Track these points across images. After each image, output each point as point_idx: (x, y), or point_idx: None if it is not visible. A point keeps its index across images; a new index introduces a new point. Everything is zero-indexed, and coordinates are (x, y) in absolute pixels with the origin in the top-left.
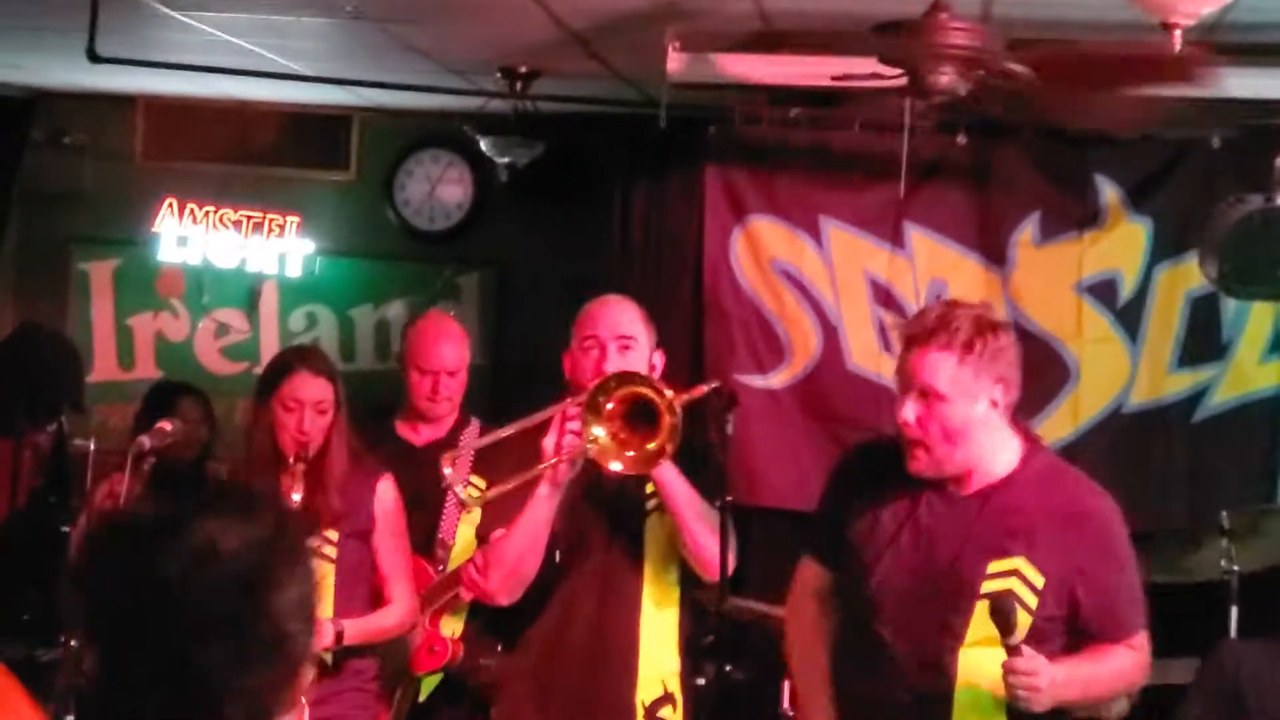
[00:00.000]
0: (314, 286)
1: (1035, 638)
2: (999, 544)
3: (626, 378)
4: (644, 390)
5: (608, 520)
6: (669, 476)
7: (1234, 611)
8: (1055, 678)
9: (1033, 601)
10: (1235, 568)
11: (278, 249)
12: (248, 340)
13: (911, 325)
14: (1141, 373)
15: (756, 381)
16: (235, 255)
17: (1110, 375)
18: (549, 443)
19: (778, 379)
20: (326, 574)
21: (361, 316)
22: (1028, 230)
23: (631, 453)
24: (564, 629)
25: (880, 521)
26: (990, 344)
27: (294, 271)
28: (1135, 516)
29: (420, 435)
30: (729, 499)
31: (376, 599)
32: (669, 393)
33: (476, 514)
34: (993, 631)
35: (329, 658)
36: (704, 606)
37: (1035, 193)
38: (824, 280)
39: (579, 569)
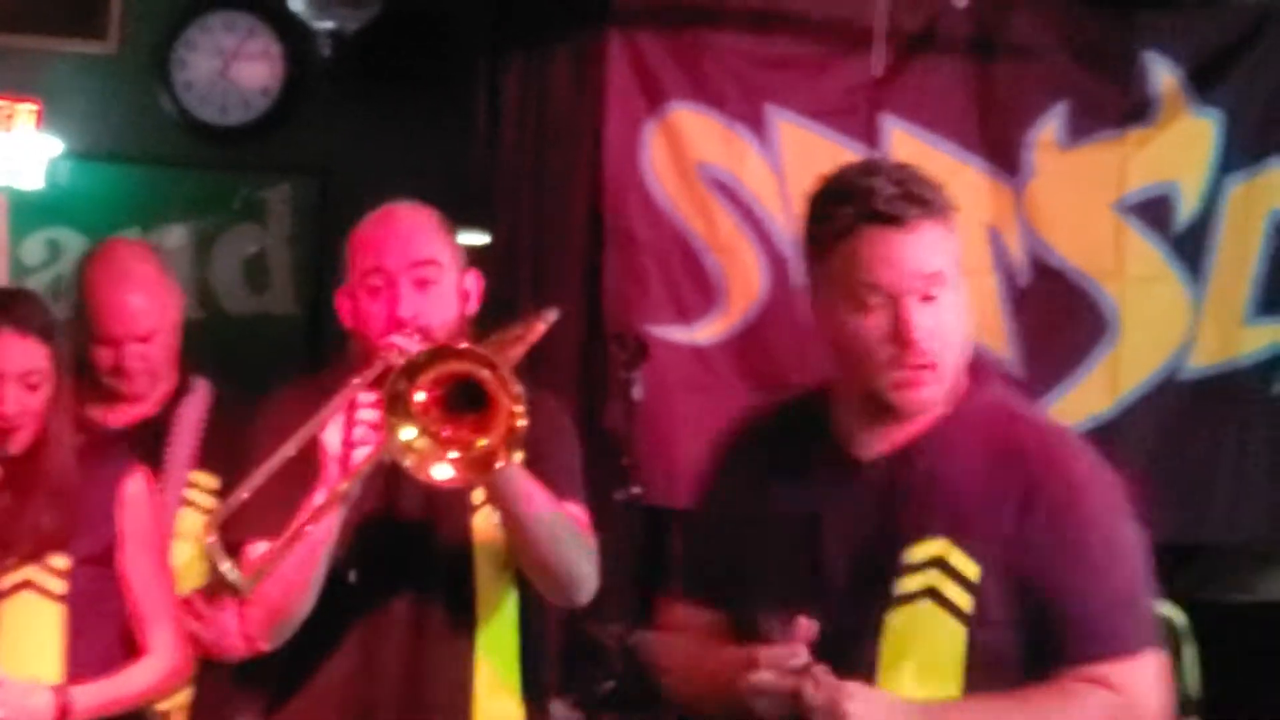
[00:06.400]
0: (57, 203)
1: (980, 662)
2: (917, 522)
3: (434, 356)
4: (464, 366)
5: (417, 519)
6: (507, 473)
7: None
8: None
9: (965, 602)
10: None
11: (6, 150)
12: None
13: (875, 201)
14: (1206, 324)
15: (677, 335)
16: None
17: (1163, 328)
18: (332, 441)
19: (706, 332)
20: (49, 617)
21: None
22: (1051, 126)
23: (456, 453)
24: (369, 676)
25: (768, 528)
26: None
27: (29, 182)
28: (1196, 524)
29: (117, 415)
30: (636, 493)
31: (133, 647)
32: (499, 362)
33: (195, 523)
34: (920, 655)
35: None
36: (602, 643)
37: (1062, 75)
38: (771, 193)
39: (381, 591)
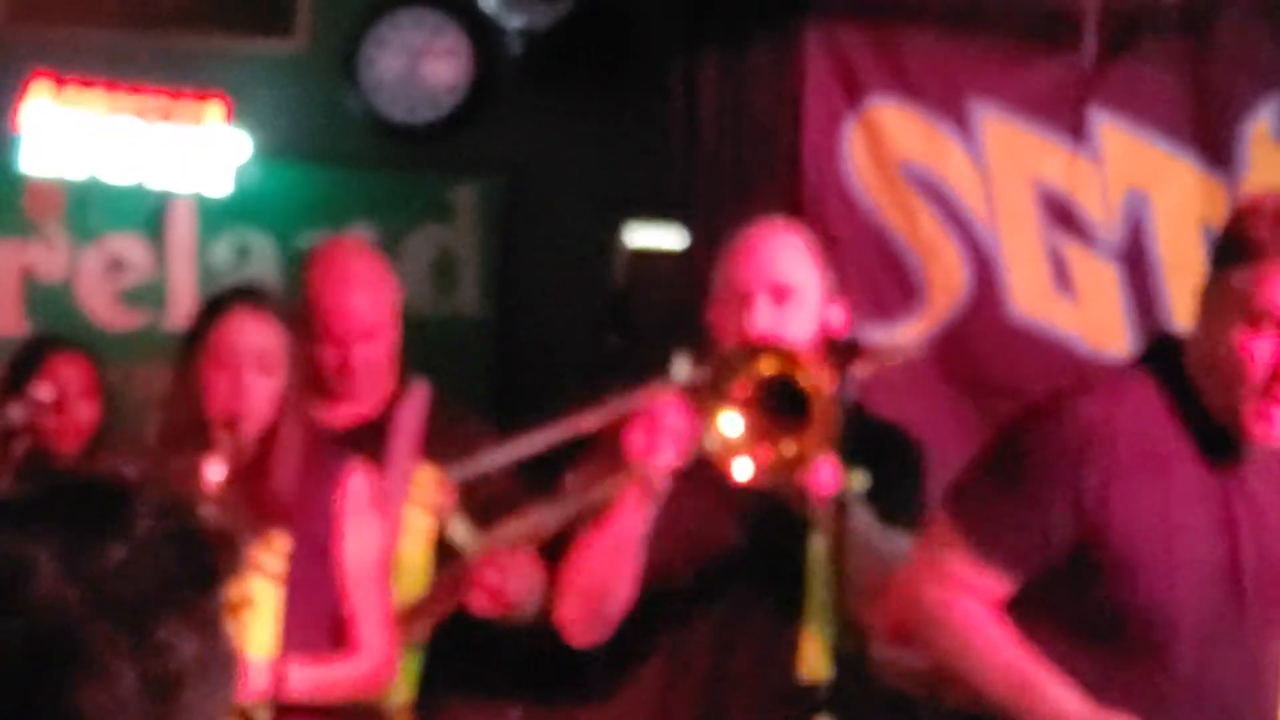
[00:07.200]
0: (246, 204)
1: None
2: None
3: (763, 352)
4: (788, 370)
5: (757, 530)
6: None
7: None
8: None
9: None
10: None
11: (194, 151)
12: (152, 280)
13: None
14: None
15: (878, 335)
16: (135, 160)
17: None
18: (637, 441)
19: (910, 332)
20: (268, 595)
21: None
22: (1266, 119)
23: (764, 453)
24: (718, 679)
25: (1166, 509)
26: None
27: (217, 183)
28: None
29: (339, 415)
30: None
31: (339, 639)
32: (824, 373)
33: (425, 522)
34: None
35: (262, 717)
36: None
37: (1276, 67)
38: (976, 192)
39: (711, 600)
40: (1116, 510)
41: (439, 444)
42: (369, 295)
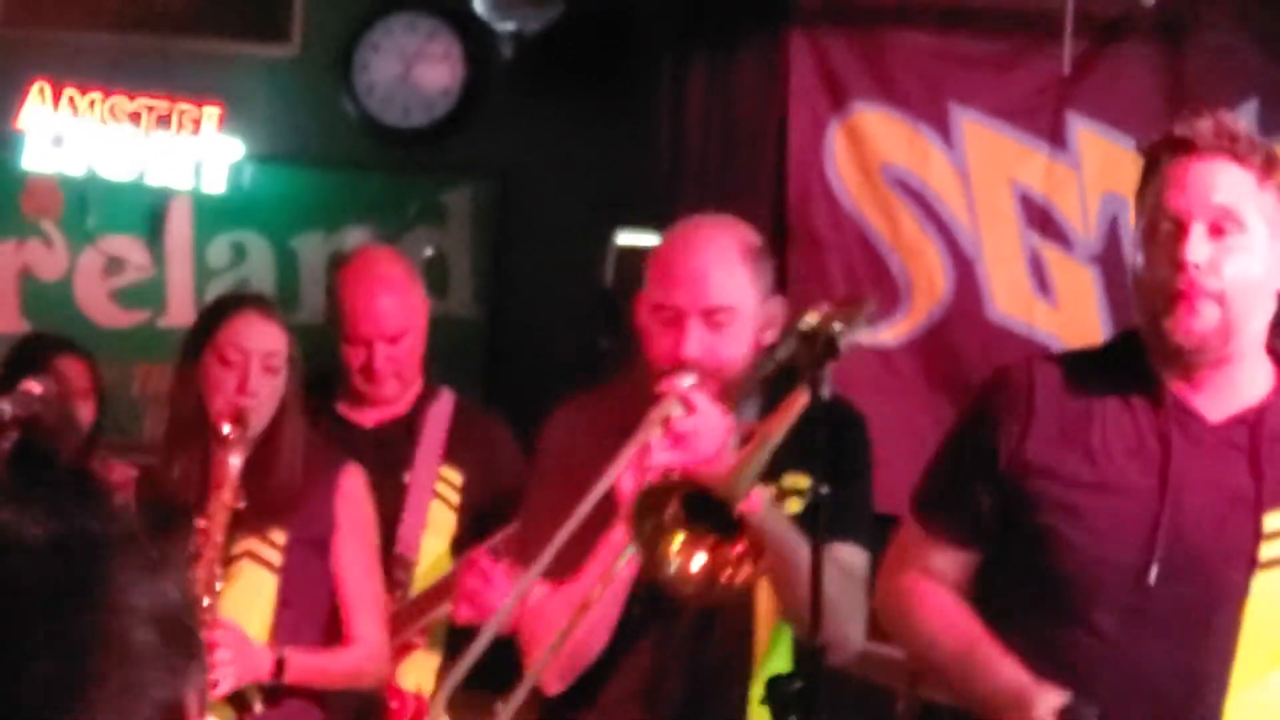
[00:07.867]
0: (242, 206)
1: None
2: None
3: (664, 492)
4: (699, 491)
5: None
6: (769, 526)
7: None
8: None
9: None
10: None
11: (191, 153)
12: (149, 280)
13: (1181, 130)
14: None
15: (860, 336)
16: (132, 161)
17: None
18: (627, 488)
19: (891, 333)
20: (265, 585)
21: (308, 248)
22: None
23: (708, 554)
24: (651, 699)
25: (1091, 467)
26: None
27: (214, 185)
28: None
29: (367, 415)
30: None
31: (333, 632)
32: (736, 494)
33: (447, 520)
34: None
35: (257, 703)
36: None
37: (1253, 71)
38: (956, 195)
39: (664, 619)
40: (1035, 469)
41: (462, 447)
42: (395, 298)
